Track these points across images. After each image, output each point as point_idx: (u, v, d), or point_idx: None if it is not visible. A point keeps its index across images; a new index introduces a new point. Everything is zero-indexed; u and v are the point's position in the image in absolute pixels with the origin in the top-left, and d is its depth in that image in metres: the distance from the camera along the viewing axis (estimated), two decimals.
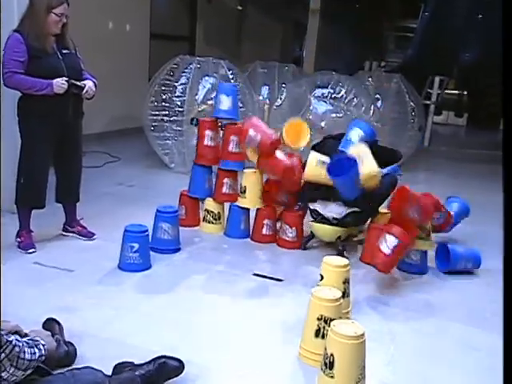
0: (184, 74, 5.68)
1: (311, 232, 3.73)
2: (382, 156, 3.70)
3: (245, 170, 3.98)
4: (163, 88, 5.67)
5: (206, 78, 5.71)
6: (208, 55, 6.07)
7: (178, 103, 5.63)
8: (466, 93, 12.75)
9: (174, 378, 2.08)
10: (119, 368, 2.00)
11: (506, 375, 1.23)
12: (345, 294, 2.68)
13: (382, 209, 3.92)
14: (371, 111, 6.12)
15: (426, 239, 3.52)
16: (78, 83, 3.12)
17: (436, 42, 11.33)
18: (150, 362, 2.02)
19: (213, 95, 5.63)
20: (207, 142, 4.02)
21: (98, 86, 3.30)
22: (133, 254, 3.12)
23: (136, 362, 2.05)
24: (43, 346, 1.80)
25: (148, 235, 3.24)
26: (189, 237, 3.81)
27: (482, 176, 7.14)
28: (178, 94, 5.64)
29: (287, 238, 3.77)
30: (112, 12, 7.32)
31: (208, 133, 4.01)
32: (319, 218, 3.62)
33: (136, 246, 3.11)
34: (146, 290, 2.95)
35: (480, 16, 11.73)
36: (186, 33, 9.62)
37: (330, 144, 3.99)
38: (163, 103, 5.66)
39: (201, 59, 5.82)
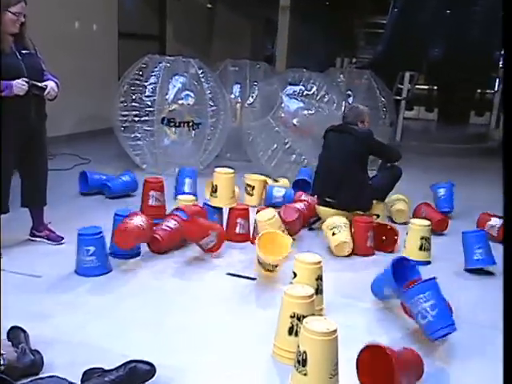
0: (153, 73, 5.62)
1: (317, 214, 4.23)
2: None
3: (216, 169, 3.97)
4: (132, 88, 5.61)
5: (176, 77, 5.68)
6: (178, 54, 6.03)
7: (148, 103, 5.58)
8: (436, 88, 12.93)
9: (146, 383, 2.05)
10: (88, 374, 1.97)
11: (506, 375, 1.24)
12: (318, 291, 2.70)
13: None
14: (343, 107, 6.16)
15: (427, 249, 3.67)
16: (38, 84, 3.05)
17: (405, 37, 11.48)
18: (120, 367, 1.99)
19: (183, 94, 5.59)
20: (152, 202, 4.01)
21: (64, 87, 3.24)
22: (89, 258, 3.04)
23: (106, 368, 2.01)
24: (1, 355, 1.75)
25: (103, 237, 3.14)
26: None
27: (450, 170, 7.28)
28: (147, 93, 5.58)
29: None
30: (78, 11, 7.19)
31: (153, 193, 4.01)
32: (323, 202, 4.14)
33: (92, 249, 3.03)
34: (116, 294, 2.91)
35: (448, 11, 11.94)
36: (156, 31, 9.53)
37: (329, 137, 4.30)
38: (133, 103, 5.60)
39: (170, 58, 5.77)
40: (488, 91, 12.20)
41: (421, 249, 3.63)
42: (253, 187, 4.80)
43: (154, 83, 5.58)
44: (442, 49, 11.95)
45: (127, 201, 4.65)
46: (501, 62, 13.55)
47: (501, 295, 3.15)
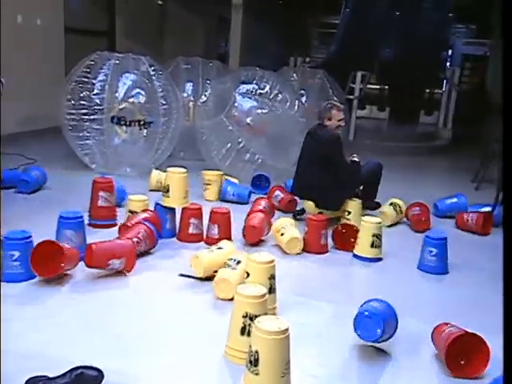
0: (102, 70, 5.51)
1: (302, 207, 4.62)
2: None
3: (168, 169, 3.93)
4: (80, 85, 5.47)
5: (127, 74, 5.58)
6: (129, 51, 5.92)
7: (97, 101, 5.46)
8: (387, 87, 13.27)
9: None
10: (31, 383, 1.90)
11: (506, 375, 1.26)
12: (271, 290, 2.71)
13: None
14: (296, 107, 6.22)
15: (378, 246, 3.75)
16: None
17: (357, 37, 11.73)
18: (65, 374, 1.93)
19: (134, 92, 5.50)
20: (101, 203, 3.94)
21: (9, 84, 3.11)
22: (13, 263, 2.91)
23: (50, 376, 1.95)
24: None
25: (31, 242, 3.01)
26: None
27: (401, 168, 7.51)
28: (96, 91, 5.46)
29: (212, 236, 3.77)
30: (20, 5, 6.94)
31: (102, 194, 3.94)
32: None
33: (16, 254, 2.90)
34: (54, 300, 2.81)
35: (398, 12, 12.30)
36: (105, 27, 9.33)
37: (305, 139, 4.48)
38: (81, 101, 5.47)
39: (120, 55, 5.67)
40: (436, 91, 12.64)
41: (372, 246, 3.72)
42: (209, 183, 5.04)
43: (103, 81, 5.46)
44: (393, 49, 12.29)
45: (74, 202, 4.52)
46: (448, 63, 14.09)
47: (451, 292, 3.29)
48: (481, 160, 6.72)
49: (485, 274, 3.59)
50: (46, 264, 2.90)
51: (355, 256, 3.77)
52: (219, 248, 3.27)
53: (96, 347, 2.36)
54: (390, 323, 2.50)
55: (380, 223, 3.80)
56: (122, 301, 2.86)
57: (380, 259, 3.76)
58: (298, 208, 4.73)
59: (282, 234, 3.77)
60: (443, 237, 3.66)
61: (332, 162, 4.29)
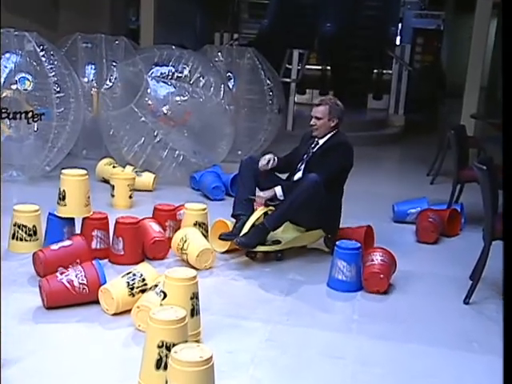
0: None
1: None
2: None
3: (63, 171, 3.83)
4: None
5: (7, 55, 5.41)
6: (10, 26, 5.70)
7: None
8: (329, 68, 13.53)
9: None
10: None
11: (506, 375, 1.34)
12: (193, 312, 2.69)
13: None
14: (222, 92, 6.23)
15: None
16: None
17: (293, 10, 11.93)
18: None
19: (18, 77, 5.32)
20: None
21: None
22: None
23: None
24: None
25: None
26: None
27: None
28: None
29: (116, 252, 3.72)
30: None
31: None
32: None
33: None
34: None
35: None
36: None
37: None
38: None
39: None
40: (385, 71, 13.04)
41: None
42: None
43: None
44: (335, 23, 12.58)
45: None
46: (397, 40, 14.62)
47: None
48: (437, 150, 7.01)
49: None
50: None
51: None
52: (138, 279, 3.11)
53: None
54: None
55: (204, 210, 4.14)
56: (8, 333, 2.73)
57: None
58: None
59: (183, 248, 3.76)
60: (357, 246, 3.59)
61: None
